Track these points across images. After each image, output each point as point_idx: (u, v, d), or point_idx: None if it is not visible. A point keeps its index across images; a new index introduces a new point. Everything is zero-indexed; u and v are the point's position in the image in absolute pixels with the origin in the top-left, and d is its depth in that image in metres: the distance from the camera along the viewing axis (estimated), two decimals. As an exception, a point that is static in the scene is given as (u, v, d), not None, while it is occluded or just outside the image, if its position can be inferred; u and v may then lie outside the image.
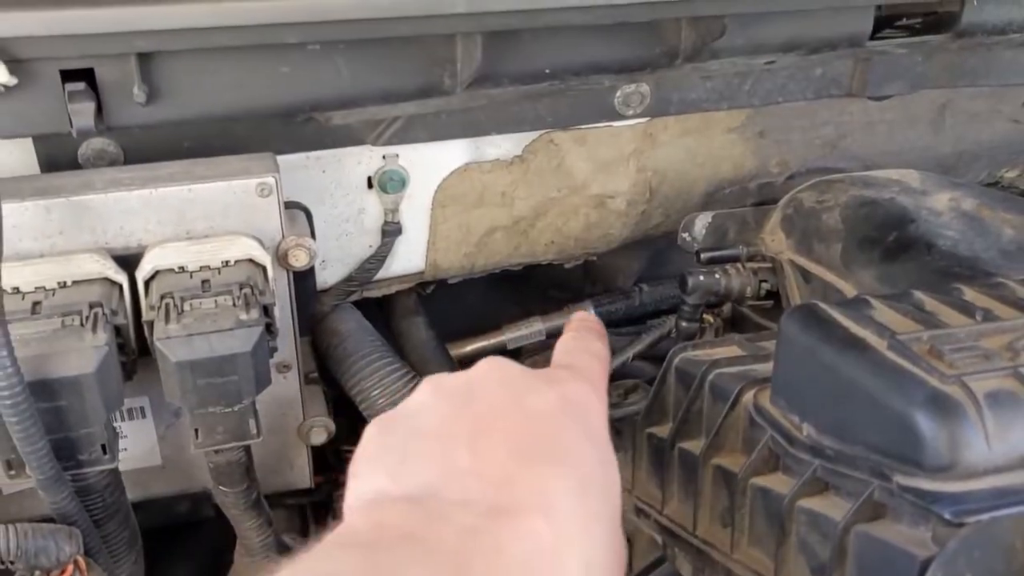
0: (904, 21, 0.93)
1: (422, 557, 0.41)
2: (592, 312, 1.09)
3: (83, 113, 0.69)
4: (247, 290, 0.71)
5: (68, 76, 0.70)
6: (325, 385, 0.95)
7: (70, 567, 0.69)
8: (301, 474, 0.92)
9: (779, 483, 0.60)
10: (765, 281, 0.92)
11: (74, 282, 0.71)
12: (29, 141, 0.77)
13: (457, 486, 0.45)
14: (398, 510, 0.45)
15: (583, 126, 0.93)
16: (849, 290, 0.81)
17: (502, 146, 0.93)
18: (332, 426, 0.90)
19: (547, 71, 0.82)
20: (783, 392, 0.60)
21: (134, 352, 0.72)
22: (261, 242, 0.75)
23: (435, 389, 0.52)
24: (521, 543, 0.43)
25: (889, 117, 1.04)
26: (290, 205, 0.84)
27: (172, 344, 0.67)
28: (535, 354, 1.11)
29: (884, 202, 0.86)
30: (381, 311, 1.04)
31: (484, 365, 0.54)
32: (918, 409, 0.49)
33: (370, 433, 0.51)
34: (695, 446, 0.67)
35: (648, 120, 0.95)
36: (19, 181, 0.73)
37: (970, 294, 0.61)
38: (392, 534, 0.42)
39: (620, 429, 0.78)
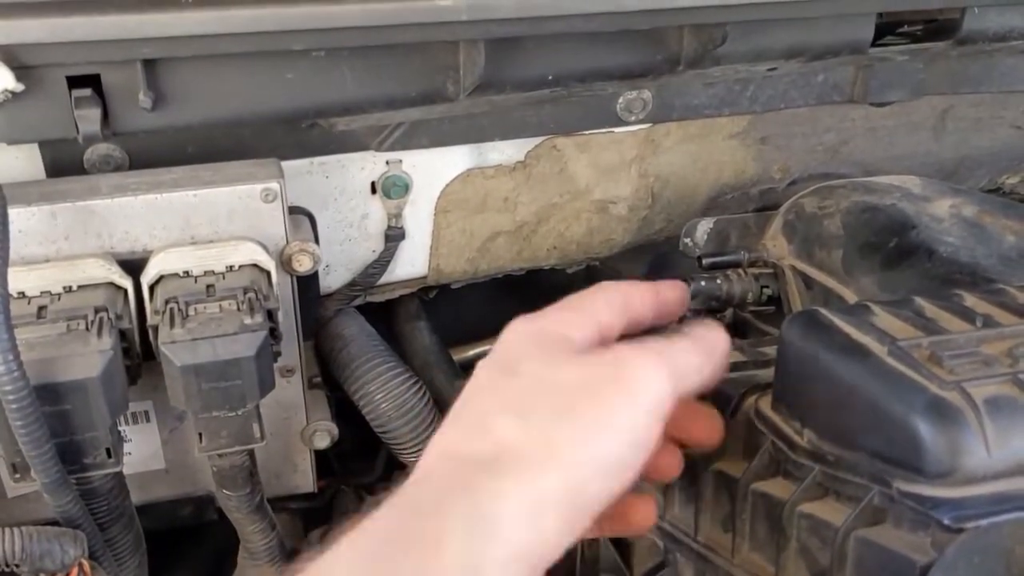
0: (905, 28, 0.93)
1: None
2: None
3: (89, 119, 0.69)
4: (251, 295, 0.71)
5: (75, 82, 0.70)
6: (328, 389, 0.95)
7: (74, 570, 0.69)
8: (304, 478, 0.93)
9: (780, 488, 0.60)
10: (767, 287, 0.92)
11: (79, 286, 0.71)
12: (35, 147, 0.77)
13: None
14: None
15: (585, 132, 0.94)
16: (850, 296, 0.81)
17: (505, 152, 0.94)
18: (335, 430, 0.90)
19: (550, 77, 0.82)
20: (784, 398, 0.60)
21: (139, 356, 0.73)
22: (265, 247, 0.75)
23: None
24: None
25: (890, 123, 1.04)
26: (294, 210, 0.84)
27: (177, 348, 0.68)
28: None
29: (885, 208, 0.87)
30: (384, 316, 1.05)
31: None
32: (918, 415, 0.50)
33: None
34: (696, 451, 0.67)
35: (650, 126, 0.95)
36: (25, 186, 0.73)
37: (970, 300, 0.61)
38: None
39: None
